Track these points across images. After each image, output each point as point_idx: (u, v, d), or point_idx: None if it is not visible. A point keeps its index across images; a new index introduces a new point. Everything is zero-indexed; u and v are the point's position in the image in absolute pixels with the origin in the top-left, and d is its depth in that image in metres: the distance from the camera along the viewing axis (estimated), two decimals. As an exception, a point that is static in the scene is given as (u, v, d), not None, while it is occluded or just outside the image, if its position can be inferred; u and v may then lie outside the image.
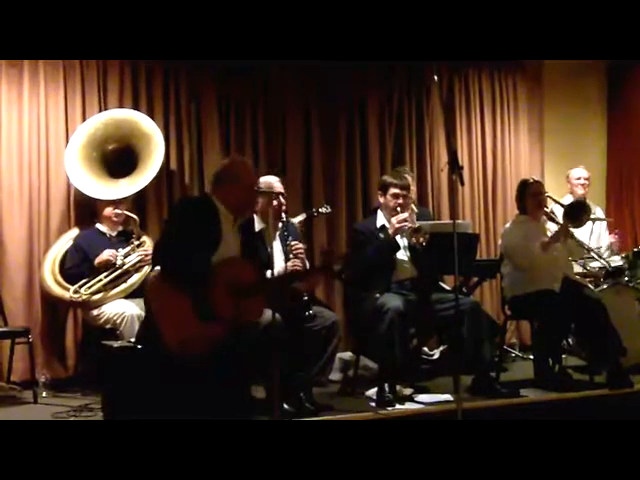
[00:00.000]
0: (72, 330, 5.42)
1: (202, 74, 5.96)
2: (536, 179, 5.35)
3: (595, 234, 6.26)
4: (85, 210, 5.45)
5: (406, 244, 4.72)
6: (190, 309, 3.55)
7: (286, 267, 4.26)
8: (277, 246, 4.55)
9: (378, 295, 4.57)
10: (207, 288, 3.58)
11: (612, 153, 7.68)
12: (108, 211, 5.28)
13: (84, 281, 5.06)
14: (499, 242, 5.48)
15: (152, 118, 5.57)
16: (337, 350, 4.71)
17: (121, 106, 5.62)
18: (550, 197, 5.45)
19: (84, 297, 5.02)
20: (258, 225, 4.59)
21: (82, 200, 5.41)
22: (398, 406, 4.34)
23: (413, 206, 4.86)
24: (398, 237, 4.65)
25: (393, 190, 4.72)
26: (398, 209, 4.66)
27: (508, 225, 5.33)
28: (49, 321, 5.38)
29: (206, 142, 5.94)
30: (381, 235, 4.72)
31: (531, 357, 5.52)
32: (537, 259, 4.93)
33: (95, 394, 4.64)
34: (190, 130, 5.91)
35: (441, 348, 5.98)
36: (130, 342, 4.25)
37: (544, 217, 5.18)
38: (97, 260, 5.07)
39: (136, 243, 5.20)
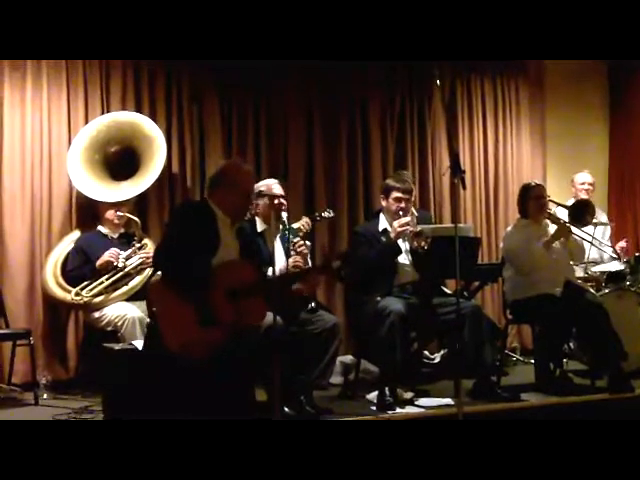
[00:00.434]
0: (73, 332, 5.42)
1: (204, 77, 5.96)
2: (538, 183, 5.35)
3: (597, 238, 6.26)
4: (87, 212, 5.45)
5: (408, 248, 4.72)
6: (191, 313, 3.56)
7: (287, 264, 4.26)
8: (278, 247, 4.55)
9: (379, 298, 4.57)
10: (207, 292, 3.59)
11: (614, 157, 7.67)
12: (110, 213, 5.29)
13: (85, 283, 5.06)
14: (501, 246, 5.48)
15: (154, 121, 5.58)
16: (338, 353, 4.72)
17: (124, 108, 5.63)
18: (552, 201, 5.44)
19: (85, 299, 5.02)
20: (260, 227, 4.61)
21: (84, 202, 5.42)
22: (399, 410, 4.34)
23: (413, 210, 4.86)
24: (400, 241, 4.65)
25: (395, 194, 4.72)
26: (400, 213, 4.66)
27: (510, 229, 5.33)
28: (50, 323, 5.38)
29: (208, 145, 5.95)
30: (383, 238, 4.73)
31: (532, 361, 5.51)
32: (539, 263, 4.93)
33: (96, 396, 4.63)
34: (192, 133, 5.92)
35: (442, 352, 5.97)
36: (131, 344, 4.26)
37: (546, 221, 5.17)
38: (99, 262, 5.07)
39: (138, 245, 5.20)
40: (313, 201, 6.21)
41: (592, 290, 5.37)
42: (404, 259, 4.75)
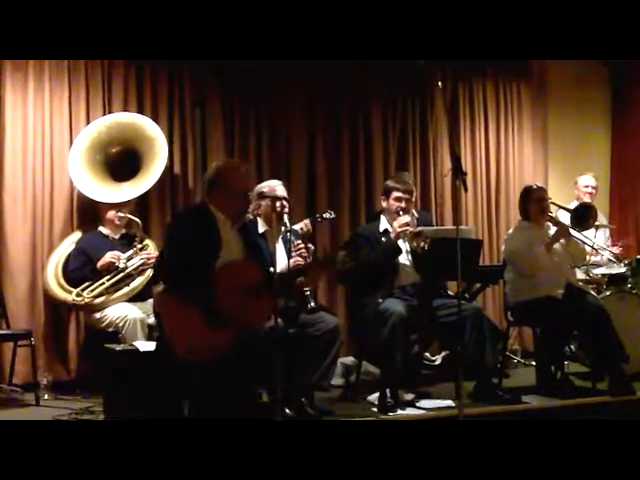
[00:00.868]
0: (74, 333, 5.42)
1: (206, 77, 5.97)
2: (539, 185, 5.35)
3: (599, 242, 6.24)
4: (88, 213, 5.45)
5: (408, 248, 4.72)
6: (198, 318, 3.54)
7: (289, 265, 4.26)
8: (280, 249, 4.55)
9: (380, 300, 4.57)
10: (213, 295, 3.57)
11: (616, 159, 7.67)
12: (111, 214, 5.29)
13: (87, 284, 5.06)
14: (502, 248, 5.48)
15: (156, 122, 5.58)
16: (339, 355, 4.71)
17: (125, 110, 5.64)
18: (554, 203, 5.44)
19: (87, 300, 5.02)
20: (261, 228, 4.60)
21: (85, 203, 5.42)
22: (400, 411, 4.35)
23: (414, 211, 4.86)
24: (400, 241, 4.65)
25: (396, 194, 4.73)
26: (400, 213, 4.66)
27: (511, 231, 5.34)
28: (51, 324, 5.38)
29: (210, 146, 5.95)
30: (384, 239, 4.73)
31: (533, 363, 5.53)
32: (540, 265, 4.93)
33: (97, 397, 4.64)
34: (194, 133, 5.92)
35: (443, 354, 5.97)
36: (132, 345, 4.26)
37: (547, 223, 5.17)
38: (100, 263, 5.07)
39: (139, 246, 5.20)
40: (315, 202, 6.22)
41: (593, 292, 5.37)
42: (405, 260, 4.75)
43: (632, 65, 7.09)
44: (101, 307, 5.03)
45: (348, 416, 4.24)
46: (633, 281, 5.66)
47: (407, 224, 4.60)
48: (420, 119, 6.74)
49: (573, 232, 5.19)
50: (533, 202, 5.11)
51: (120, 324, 4.90)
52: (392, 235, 4.65)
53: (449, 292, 5.11)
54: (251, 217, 4.62)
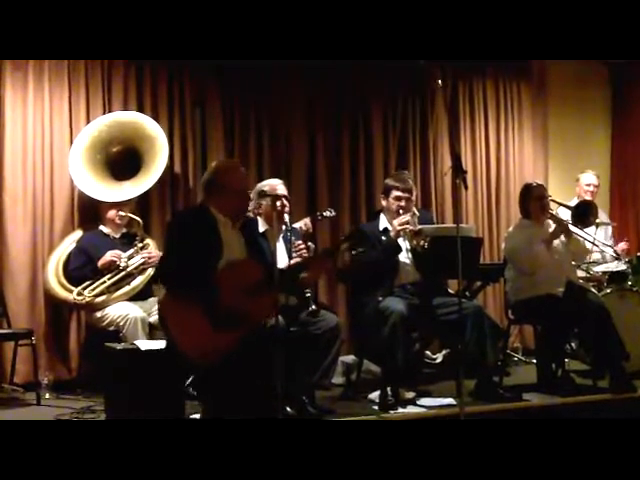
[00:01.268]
0: (75, 332, 5.43)
1: (206, 76, 5.97)
2: (539, 183, 5.35)
3: (599, 239, 6.24)
4: (89, 212, 5.46)
5: (408, 247, 4.72)
6: (203, 320, 3.54)
7: (289, 265, 4.26)
8: (281, 248, 4.55)
9: (381, 299, 4.57)
10: (216, 296, 3.57)
11: (616, 157, 7.67)
12: (112, 213, 5.29)
13: (87, 283, 5.07)
14: (502, 246, 5.48)
15: (156, 120, 5.58)
16: (340, 353, 4.72)
17: (125, 109, 5.64)
18: (554, 200, 5.44)
19: (87, 299, 5.03)
20: (262, 227, 4.60)
21: (86, 202, 5.43)
22: (401, 410, 4.35)
23: (415, 209, 4.86)
24: (400, 240, 4.65)
25: (395, 193, 4.74)
26: (400, 211, 4.67)
27: (511, 229, 5.34)
28: (52, 323, 5.39)
29: (210, 146, 5.95)
30: (384, 238, 4.73)
31: (534, 361, 5.53)
32: (540, 263, 4.93)
33: (98, 396, 4.63)
34: (194, 132, 5.92)
35: (444, 352, 5.98)
36: (133, 344, 4.26)
37: (548, 221, 5.17)
38: (100, 262, 5.08)
39: (139, 245, 5.21)
40: (315, 202, 6.22)
41: (594, 290, 5.37)
42: (405, 259, 4.75)
43: (632, 65, 7.09)
44: (102, 306, 5.03)
45: (349, 415, 4.24)
46: (634, 279, 5.66)
47: (407, 222, 4.60)
48: (420, 118, 6.74)
49: (574, 229, 5.19)
50: (533, 200, 5.11)
51: (121, 323, 4.90)
52: (392, 234, 4.65)
53: (449, 290, 5.11)
54: (251, 216, 4.63)
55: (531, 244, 4.98)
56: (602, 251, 6.07)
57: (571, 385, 4.89)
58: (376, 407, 4.43)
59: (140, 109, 5.69)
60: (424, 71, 6.46)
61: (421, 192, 6.57)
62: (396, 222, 4.63)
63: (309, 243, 4.71)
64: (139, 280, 5.12)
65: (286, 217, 4.53)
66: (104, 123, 5.47)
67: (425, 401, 4.54)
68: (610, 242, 6.41)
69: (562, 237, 5.11)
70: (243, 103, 6.12)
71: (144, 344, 4.18)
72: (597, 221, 5.68)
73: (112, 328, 4.95)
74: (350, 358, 5.40)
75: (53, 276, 5.20)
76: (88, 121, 5.53)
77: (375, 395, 4.56)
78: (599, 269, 5.95)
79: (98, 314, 5.04)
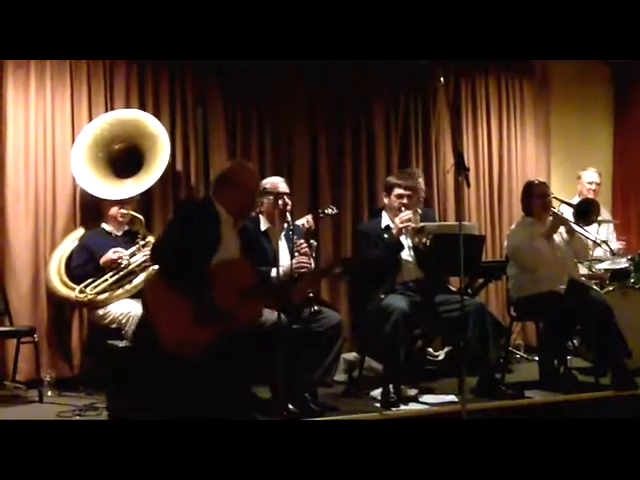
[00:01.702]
0: (77, 330, 5.43)
1: (208, 76, 5.97)
2: (541, 180, 5.35)
3: (602, 237, 6.23)
4: (91, 210, 5.46)
5: (410, 244, 4.72)
6: (187, 311, 3.55)
7: (291, 264, 4.27)
8: (283, 246, 4.55)
9: (383, 296, 4.57)
10: (207, 290, 3.58)
11: (618, 155, 7.67)
12: (114, 211, 5.29)
13: (90, 281, 5.07)
14: (505, 243, 5.47)
15: (158, 118, 5.58)
16: (342, 351, 4.72)
17: (127, 107, 5.63)
18: (556, 198, 5.44)
19: (90, 297, 5.03)
20: (264, 225, 4.60)
21: (88, 200, 5.43)
22: (403, 407, 4.34)
23: (418, 207, 4.86)
24: (402, 237, 4.65)
25: (397, 190, 4.74)
26: (402, 209, 4.67)
27: (513, 227, 5.34)
28: (54, 321, 5.39)
29: (212, 143, 5.95)
30: (386, 235, 4.73)
31: (536, 358, 5.52)
32: (543, 260, 4.93)
33: (100, 393, 4.65)
34: (196, 131, 5.92)
35: (446, 349, 5.98)
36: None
37: (550, 218, 5.16)
38: (102, 259, 5.08)
39: (141, 243, 5.20)
40: (317, 200, 6.21)
41: (596, 287, 5.37)
42: (407, 256, 4.76)
43: (635, 62, 7.07)
44: (104, 304, 5.03)
45: (351, 412, 4.24)
46: (636, 276, 5.66)
47: (409, 220, 4.60)
48: (422, 115, 6.74)
49: (576, 227, 5.18)
50: (535, 197, 5.11)
51: (123, 320, 4.91)
52: (394, 231, 4.65)
53: (452, 288, 5.11)
54: (253, 214, 4.63)
55: (533, 241, 4.98)
56: (604, 249, 6.05)
57: (573, 382, 4.89)
58: (378, 404, 4.42)
59: (142, 107, 5.69)
60: (426, 69, 6.45)
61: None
62: (398, 220, 4.63)
63: (311, 241, 4.71)
64: (141, 278, 5.12)
65: (288, 215, 4.53)
66: (106, 121, 5.47)
67: (427, 398, 4.55)
68: (613, 239, 6.40)
69: (564, 234, 5.12)
70: (245, 101, 6.11)
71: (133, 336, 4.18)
72: (599, 218, 5.67)
73: (114, 326, 4.96)
74: (352, 355, 5.40)
75: (55, 274, 5.20)
76: (90, 119, 5.53)
77: (377, 392, 4.55)
78: (601, 266, 5.95)
79: (100, 312, 5.04)
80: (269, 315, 3.91)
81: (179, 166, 5.83)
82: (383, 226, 4.82)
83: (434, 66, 6.13)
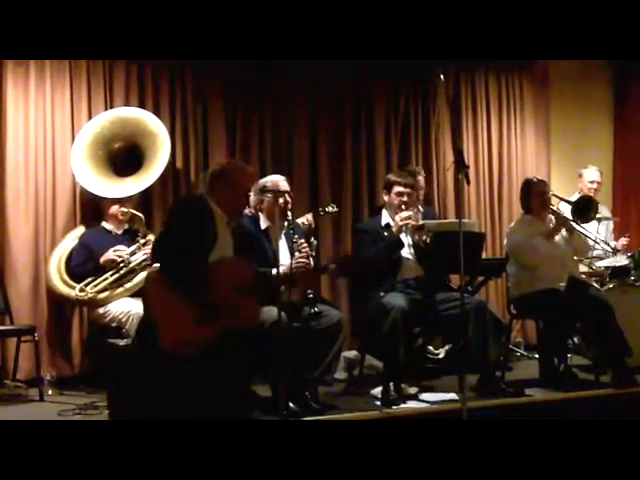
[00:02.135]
0: (78, 328, 5.43)
1: (208, 75, 5.96)
2: (540, 178, 5.35)
3: (601, 235, 6.23)
4: (91, 208, 5.46)
5: (410, 242, 4.73)
6: (187, 310, 3.55)
7: (291, 263, 4.27)
8: (283, 244, 4.55)
9: (383, 294, 4.57)
10: (206, 289, 3.58)
11: (619, 152, 7.67)
12: (114, 209, 5.29)
13: (90, 279, 5.07)
14: (505, 241, 5.47)
15: (158, 117, 5.58)
16: (342, 349, 4.71)
17: (127, 105, 5.63)
18: (555, 195, 5.44)
19: (90, 295, 5.03)
20: (264, 223, 4.59)
21: (88, 198, 5.43)
22: (403, 405, 4.35)
23: (419, 206, 4.86)
24: (402, 235, 4.65)
25: (397, 188, 4.74)
26: (402, 207, 4.67)
27: (513, 224, 5.34)
28: (55, 319, 5.39)
29: (212, 141, 5.95)
30: (386, 233, 4.73)
31: (536, 356, 5.52)
32: (542, 258, 4.94)
33: (100, 392, 4.65)
34: (196, 129, 5.92)
35: (446, 347, 5.97)
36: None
37: (549, 216, 5.16)
38: (102, 258, 5.08)
39: (142, 241, 5.20)
40: (317, 198, 6.21)
41: (596, 285, 5.37)
42: (407, 254, 4.76)
43: (635, 61, 7.06)
44: (104, 302, 5.03)
45: (352, 410, 4.25)
46: (636, 274, 5.66)
47: (409, 217, 4.60)
48: (422, 113, 6.73)
49: (576, 226, 5.19)
50: (534, 195, 5.11)
51: (123, 319, 4.90)
52: (394, 229, 4.65)
53: (452, 285, 5.11)
54: (252, 212, 4.63)
55: (533, 239, 4.98)
56: (604, 247, 6.06)
57: (573, 380, 4.90)
58: (379, 402, 4.43)
59: (142, 105, 5.69)
60: (426, 67, 6.46)
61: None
62: (398, 217, 4.63)
63: (312, 239, 4.70)
64: (141, 276, 5.11)
65: (289, 214, 4.52)
66: (106, 119, 5.47)
67: (427, 396, 4.55)
68: (612, 237, 6.40)
69: (564, 232, 5.12)
70: (245, 100, 6.11)
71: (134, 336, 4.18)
72: (599, 216, 5.67)
73: (114, 324, 4.96)
74: (352, 354, 5.40)
75: (55, 272, 5.21)
76: (90, 117, 5.53)
77: (377, 390, 4.56)
78: (601, 264, 5.95)
79: (100, 310, 5.04)
80: (269, 314, 3.91)
81: (179, 164, 5.83)
82: (383, 224, 4.82)
83: (434, 63, 6.13)
